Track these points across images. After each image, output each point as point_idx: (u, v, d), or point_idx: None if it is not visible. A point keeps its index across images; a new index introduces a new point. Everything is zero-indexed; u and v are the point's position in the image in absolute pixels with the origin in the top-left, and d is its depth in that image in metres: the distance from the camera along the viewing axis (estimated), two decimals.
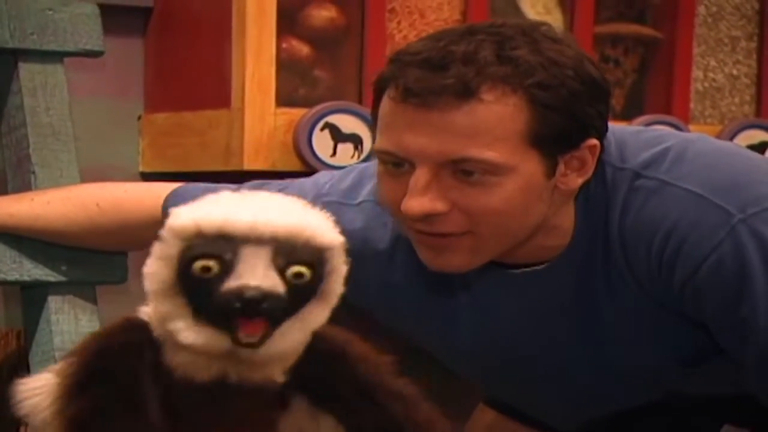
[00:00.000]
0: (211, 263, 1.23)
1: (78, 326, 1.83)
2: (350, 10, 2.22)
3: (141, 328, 1.31)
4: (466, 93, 1.43)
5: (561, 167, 1.49)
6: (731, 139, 2.38)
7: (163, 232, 1.26)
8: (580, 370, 1.64)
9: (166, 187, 1.77)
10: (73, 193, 1.82)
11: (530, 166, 1.46)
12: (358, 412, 1.35)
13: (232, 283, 1.22)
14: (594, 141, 1.50)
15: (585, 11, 2.32)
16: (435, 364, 1.83)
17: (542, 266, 1.58)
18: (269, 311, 1.22)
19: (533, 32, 1.47)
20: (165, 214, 1.72)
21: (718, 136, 2.33)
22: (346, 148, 2.13)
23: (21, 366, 1.87)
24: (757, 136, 2.42)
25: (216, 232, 1.24)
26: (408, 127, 1.45)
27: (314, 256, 1.26)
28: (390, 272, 1.65)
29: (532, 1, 2.32)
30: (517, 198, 1.47)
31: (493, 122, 1.44)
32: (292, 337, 1.27)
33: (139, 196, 1.79)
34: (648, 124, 2.25)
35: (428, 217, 1.47)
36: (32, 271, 1.82)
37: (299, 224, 1.26)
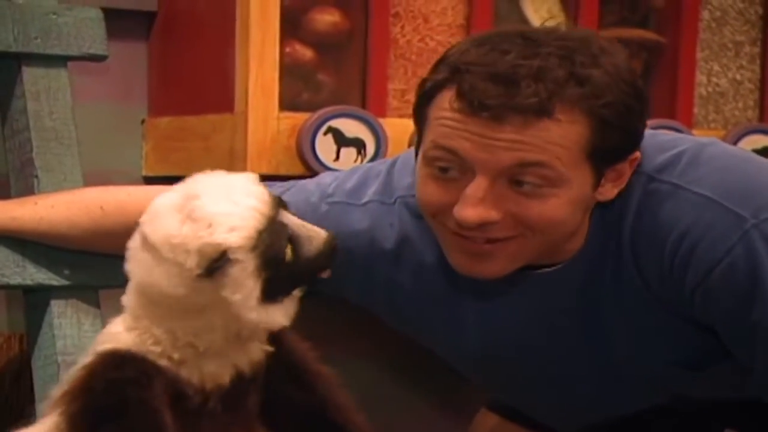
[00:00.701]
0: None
1: (81, 330, 1.83)
2: (354, 15, 2.22)
3: (135, 357, 1.35)
4: (542, 112, 1.44)
5: (602, 179, 1.50)
6: (734, 143, 2.37)
7: (235, 259, 1.35)
8: (587, 373, 1.64)
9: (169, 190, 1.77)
10: (76, 197, 1.82)
11: (582, 179, 1.48)
12: (287, 393, 1.41)
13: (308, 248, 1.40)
14: (637, 153, 1.52)
15: (589, 16, 2.32)
16: (439, 367, 1.83)
17: (553, 268, 1.58)
18: None
19: (592, 44, 1.48)
20: None
21: (722, 141, 2.32)
22: (349, 152, 2.13)
23: (23, 370, 1.87)
24: (761, 141, 2.42)
25: (272, 222, 1.38)
26: (476, 138, 1.46)
27: None
28: (396, 272, 1.65)
29: (536, 5, 2.32)
30: (567, 209, 1.48)
31: (561, 138, 1.45)
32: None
33: (143, 199, 1.78)
34: (652, 129, 2.25)
35: (482, 226, 1.48)
36: (35, 275, 1.82)
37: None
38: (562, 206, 1.48)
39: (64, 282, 1.83)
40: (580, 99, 1.44)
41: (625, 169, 1.52)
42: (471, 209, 1.47)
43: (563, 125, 1.45)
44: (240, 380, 1.39)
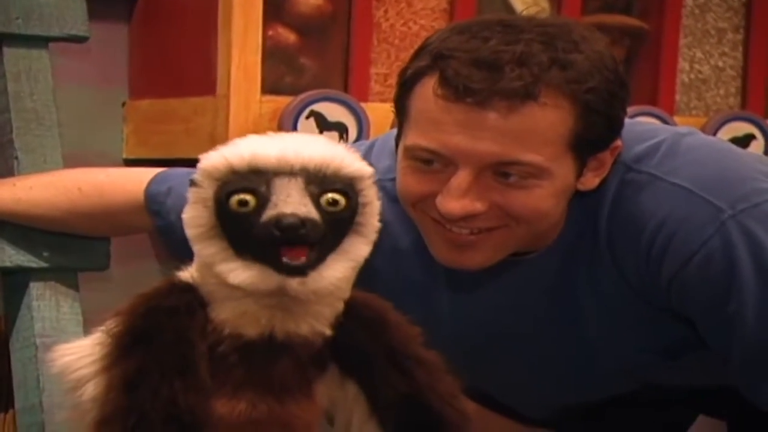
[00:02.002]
0: (248, 197, 1.28)
1: (59, 313, 1.82)
2: None
3: (186, 289, 1.34)
4: (528, 96, 1.43)
5: (584, 169, 1.50)
6: (716, 131, 2.38)
7: (196, 176, 1.30)
8: (561, 359, 1.64)
9: (149, 172, 1.77)
10: (55, 178, 1.82)
11: (565, 168, 1.47)
12: (384, 378, 1.38)
13: (269, 213, 1.26)
14: (619, 142, 1.51)
15: (572, 2, 2.32)
16: None
17: (530, 255, 1.58)
18: (308, 237, 1.27)
19: (573, 31, 1.47)
20: (147, 198, 1.74)
21: (703, 128, 2.33)
22: (331, 137, 2.12)
23: (1, 352, 1.86)
24: (742, 128, 2.42)
25: (247, 167, 1.28)
26: (460, 126, 1.44)
27: (346, 185, 1.30)
28: (371, 257, 1.65)
29: None
30: (552, 200, 1.48)
31: (546, 126, 1.44)
32: (337, 269, 1.32)
33: (122, 181, 1.79)
34: (633, 116, 2.25)
35: (465, 218, 1.47)
36: (14, 257, 1.82)
37: (328, 154, 1.30)
38: (548, 197, 1.48)
39: (43, 264, 1.83)
40: (564, 83, 1.44)
41: (606, 158, 1.51)
42: (455, 202, 1.46)
43: (548, 111, 1.44)
44: (270, 341, 1.33)
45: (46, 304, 1.83)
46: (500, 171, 1.46)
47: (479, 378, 1.82)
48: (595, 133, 1.47)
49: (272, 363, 1.34)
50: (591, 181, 1.52)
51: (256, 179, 1.28)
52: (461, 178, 1.46)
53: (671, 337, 1.59)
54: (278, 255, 1.27)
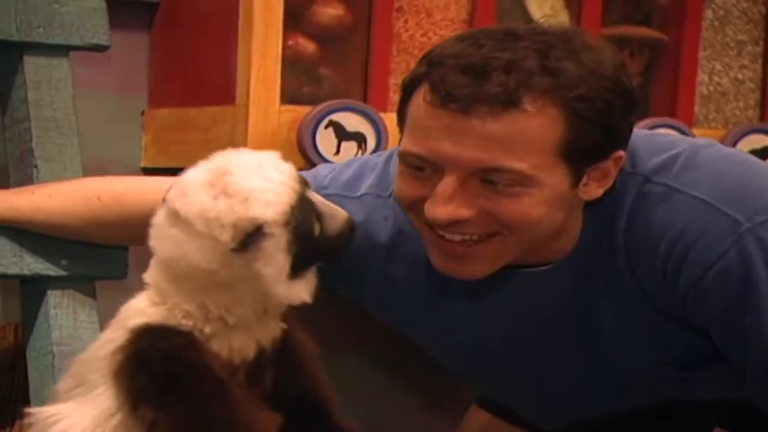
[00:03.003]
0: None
1: (76, 321, 1.83)
2: (357, 8, 2.22)
3: (174, 330, 1.39)
4: (509, 102, 1.43)
5: (585, 178, 1.49)
6: (735, 143, 2.37)
7: (269, 232, 1.39)
8: (576, 371, 1.64)
9: (168, 181, 1.76)
10: (74, 187, 1.82)
11: (557, 178, 1.47)
12: (288, 373, 1.45)
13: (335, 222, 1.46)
14: (621, 153, 1.50)
15: (592, 13, 2.32)
16: (429, 364, 1.83)
17: (545, 267, 1.58)
18: None
19: (574, 41, 1.47)
20: None
21: (722, 140, 2.32)
22: (349, 147, 2.13)
23: (18, 360, 1.87)
24: (761, 140, 2.41)
25: (299, 199, 1.43)
26: (444, 132, 1.45)
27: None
28: (390, 265, 1.65)
29: (539, 1, 2.31)
30: (542, 208, 1.48)
31: (530, 133, 1.44)
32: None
33: (141, 190, 1.79)
34: (652, 127, 2.25)
35: (453, 224, 1.48)
36: (32, 265, 1.82)
37: None
38: (537, 205, 1.47)
39: (61, 272, 1.83)
40: (549, 89, 1.43)
41: (610, 167, 1.50)
42: (440, 208, 1.47)
43: (532, 118, 1.44)
44: (262, 355, 1.42)
45: (64, 312, 1.83)
46: (487, 178, 1.46)
47: (494, 388, 1.82)
48: (589, 142, 1.46)
49: (265, 373, 1.41)
50: (595, 191, 1.52)
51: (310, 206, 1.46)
52: (446, 184, 1.47)
53: (688, 349, 1.59)
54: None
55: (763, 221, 1.50)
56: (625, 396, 1.67)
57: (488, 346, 1.65)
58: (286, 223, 1.39)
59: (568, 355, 1.62)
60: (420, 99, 1.47)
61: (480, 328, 1.64)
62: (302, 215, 1.40)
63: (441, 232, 1.50)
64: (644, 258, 1.53)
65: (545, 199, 1.47)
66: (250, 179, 1.40)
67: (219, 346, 1.42)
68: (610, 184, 1.52)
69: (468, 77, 1.43)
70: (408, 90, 1.50)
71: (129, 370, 1.34)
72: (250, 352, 1.43)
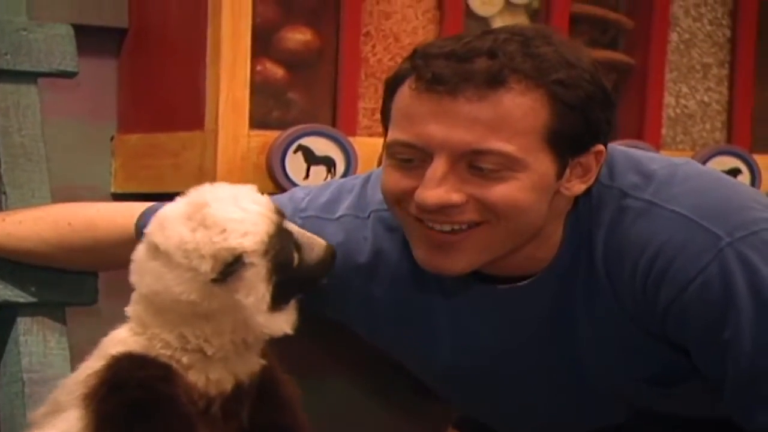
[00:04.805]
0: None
1: (47, 348, 1.82)
2: (325, 34, 2.22)
3: (154, 360, 1.40)
4: (495, 82, 1.45)
5: (567, 172, 1.51)
6: (702, 164, 2.38)
7: (249, 262, 1.40)
8: (556, 386, 1.64)
9: (138, 207, 1.77)
10: (45, 213, 1.81)
11: (544, 164, 1.48)
12: (263, 409, 1.47)
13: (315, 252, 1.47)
14: (601, 147, 1.52)
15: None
16: (408, 385, 1.83)
17: (526, 282, 1.59)
18: None
19: (551, 35, 1.51)
20: (138, 232, 1.74)
21: None
22: (318, 171, 2.13)
23: None
24: (728, 162, 2.44)
25: (277, 229, 1.44)
26: (432, 115, 1.47)
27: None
28: (371, 286, 1.66)
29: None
30: (530, 194, 1.49)
31: (517, 114, 1.46)
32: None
33: (111, 215, 1.79)
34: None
35: (443, 209, 1.48)
36: (2, 291, 1.81)
37: None
38: (524, 190, 1.48)
39: (30, 299, 1.83)
40: (531, 72, 1.46)
41: (591, 162, 1.52)
42: (430, 191, 1.47)
43: (518, 98, 1.46)
44: (239, 389, 1.43)
45: (34, 339, 1.82)
46: (474, 163, 1.47)
47: (474, 405, 1.82)
48: (571, 130, 1.48)
49: (242, 407, 1.41)
50: (577, 186, 1.53)
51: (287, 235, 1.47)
52: (436, 167, 1.48)
53: (667, 365, 1.60)
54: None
55: (743, 236, 1.51)
56: (605, 410, 1.68)
57: (468, 362, 1.66)
58: (265, 253, 1.40)
59: (548, 371, 1.63)
60: (405, 90, 1.49)
61: (460, 345, 1.65)
62: (280, 245, 1.41)
63: (430, 224, 1.50)
64: (624, 272, 1.54)
65: (533, 184, 1.48)
66: (228, 210, 1.41)
67: (196, 378, 1.42)
68: (591, 180, 1.53)
69: (453, 62, 1.46)
70: (392, 86, 1.52)
71: (100, 394, 1.35)
72: (228, 385, 1.44)
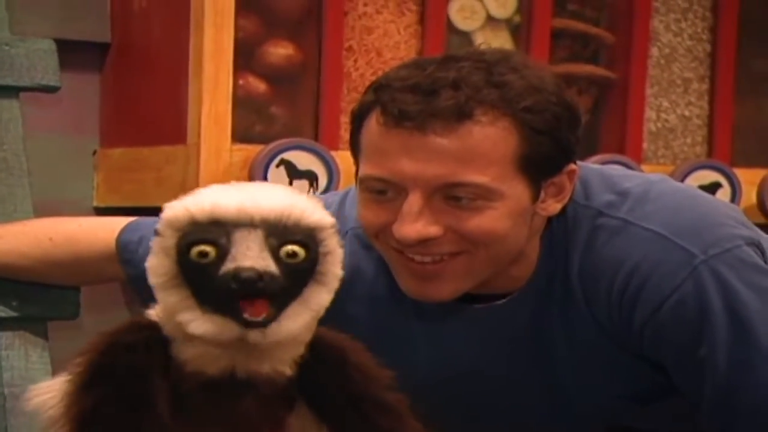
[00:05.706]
0: (208, 248, 1.28)
1: (28, 362, 1.81)
2: (307, 48, 2.23)
3: (148, 326, 1.34)
4: (462, 115, 1.45)
5: (542, 194, 1.51)
6: (683, 179, 2.40)
7: (159, 226, 1.30)
8: (533, 402, 1.64)
9: (120, 222, 1.77)
10: (26, 228, 1.81)
11: (518, 190, 1.48)
12: (346, 422, 1.38)
13: (227, 266, 1.27)
14: (573, 166, 1.53)
15: (540, 51, 2.35)
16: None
17: (503, 301, 1.59)
18: (268, 290, 1.27)
19: (512, 60, 1.50)
20: (119, 248, 1.74)
21: (671, 176, 2.32)
22: (301, 185, 2.13)
23: None
24: (709, 176, 2.45)
25: (208, 219, 1.28)
26: (403, 150, 1.47)
27: (306, 236, 1.30)
28: (348, 304, 1.65)
29: (487, 42, 2.34)
30: (507, 222, 1.49)
31: (487, 145, 1.46)
32: (298, 319, 1.31)
33: (93, 230, 1.79)
34: (602, 164, 2.27)
35: (423, 243, 1.49)
36: None
37: (288, 205, 1.30)
38: (501, 218, 1.48)
39: (12, 313, 1.82)
40: (498, 101, 1.46)
41: (564, 182, 1.52)
42: (408, 226, 1.48)
43: (487, 129, 1.46)
44: (232, 379, 1.34)
45: (15, 354, 1.81)
46: (450, 195, 1.48)
47: (455, 425, 1.82)
48: (542, 154, 1.48)
49: (237, 400, 1.34)
50: (553, 206, 1.53)
51: (216, 231, 1.28)
52: (412, 202, 1.47)
53: (644, 382, 1.60)
54: (238, 308, 1.27)
55: (717, 253, 1.51)
56: (583, 426, 1.68)
57: (447, 380, 1.66)
58: (177, 229, 1.29)
59: (526, 388, 1.63)
60: (373, 124, 1.49)
61: (439, 364, 1.65)
62: (203, 235, 1.27)
63: (410, 255, 1.51)
64: (600, 291, 1.54)
65: (509, 212, 1.48)
66: (218, 191, 1.32)
67: (176, 350, 1.34)
68: (566, 199, 1.53)
69: (418, 95, 1.46)
70: (358, 119, 1.51)
71: (82, 352, 1.33)
72: (209, 368, 1.32)
